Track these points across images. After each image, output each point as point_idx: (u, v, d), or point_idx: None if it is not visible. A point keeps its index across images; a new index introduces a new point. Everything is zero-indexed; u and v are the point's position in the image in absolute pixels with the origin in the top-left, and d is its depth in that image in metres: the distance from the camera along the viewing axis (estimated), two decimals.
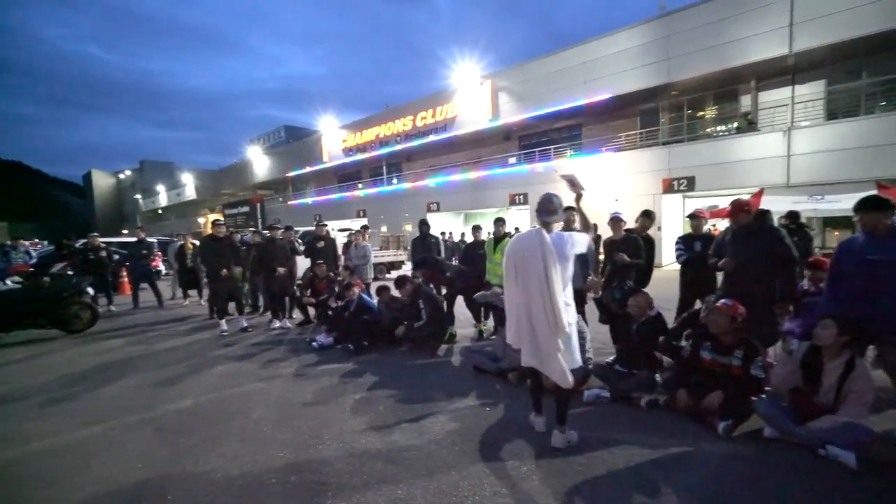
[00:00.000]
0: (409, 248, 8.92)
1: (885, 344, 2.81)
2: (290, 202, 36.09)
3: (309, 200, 34.01)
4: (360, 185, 31.38)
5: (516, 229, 5.36)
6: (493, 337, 5.58)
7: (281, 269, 6.90)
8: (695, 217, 4.86)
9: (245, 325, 6.82)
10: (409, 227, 23.95)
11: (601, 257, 5.14)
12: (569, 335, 2.68)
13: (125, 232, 46.27)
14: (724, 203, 9.57)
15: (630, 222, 4.97)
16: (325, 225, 8.24)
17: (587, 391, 3.62)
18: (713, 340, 3.25)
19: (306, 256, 7.67)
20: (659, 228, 14.82)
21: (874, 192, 4.23)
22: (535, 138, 22.59)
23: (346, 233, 12.79)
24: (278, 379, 4.44)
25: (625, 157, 17.79)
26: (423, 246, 6.61)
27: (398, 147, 26.81)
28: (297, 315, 7.49)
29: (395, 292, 5.99)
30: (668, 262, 14.56)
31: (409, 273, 6.13)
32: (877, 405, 2.98)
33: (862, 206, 2.85)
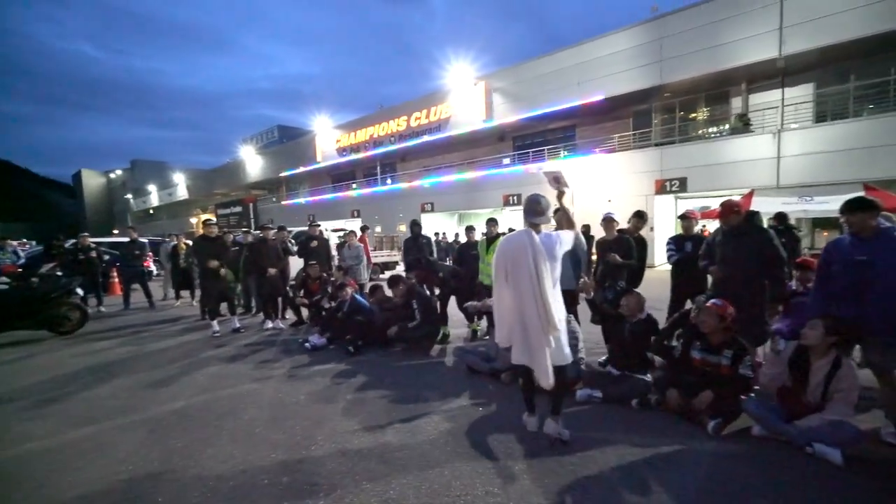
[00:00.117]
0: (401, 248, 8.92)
1: (870, 344, 2.86)
2: (283, 202, 35.92)
3: (303, 200, 33.86)
4: (354, 186, 31.31)
5: (510, 230, 5.38)
6: (487, 337, 5.61)
7: (272, 270, 6.87)
8: (685, 218, 4.90)
9: (237, 325, 6.78)
10: (402, 228, 23.93)
11: (594, 258, 5.18)
12: (559, 332, 2.73)
13: (116, 232, 45.77)
14: (716, 204, 9.66)
15: (623, 223, 5.01)
16: (319, 225, 8.22)
17: (579, 391, 3.64)
18: (703, 340, 3.28)
19: (299, 256, 7.64)
20: (651, 229, 14.94)
21: (861, 193, 4.29)
22: (530, 139, 22.68)
23: (340, 233, 12.76)
24: (271, 380, 4.42)
25: (618, 158, 17.92)
26: (416, 246, 6.62)
27: (392, 147, 26.81)
28: (289, 316, 7.46)
29: (388, 292, 5.98)
30: (660, 262, 14.69)
31: (402, 273, 6.13)
32: (863, 403, 3.04)
33: (848, 207, 2.89)
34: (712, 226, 11.68)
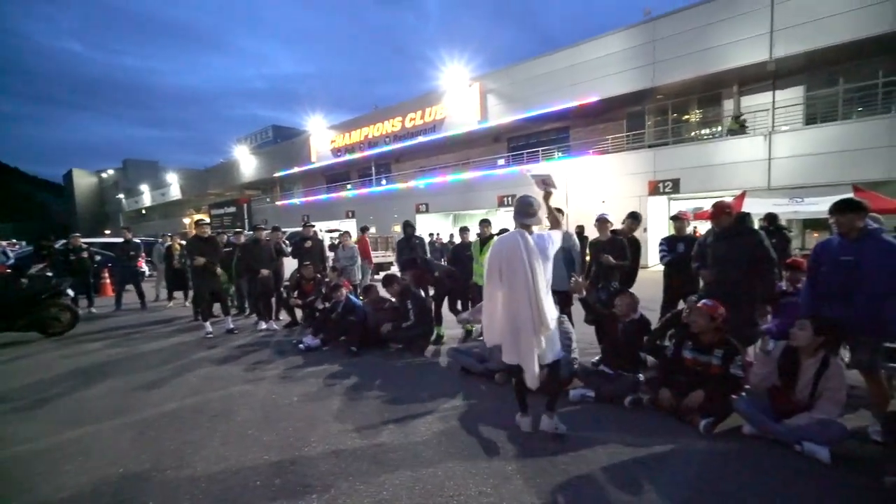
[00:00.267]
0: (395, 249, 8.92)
1: (857, 343, 2.90)
2: (277, 202, 35.75)
3: (297, 201, 33.73)
4: (348, 186, 31.24)
5: (503, 230, 5.40)
6: (481, 338, 5.61)
7: (264, 272, 6.84)
8: (678, 219, 4.95)
9: (231, 326, 6.73)
10: (397, 229, 23.88)
11: (587, 258, 5.20)
12: (552, 332, 2.80)
13: (108, 232, 45.31)
14: (709, 205, 9.77)
15: (617, 224, 5.04)
16: (313, 226, 8.19)
17: (572, 391, 3.66)
18: (694, 340, 3.32)
19: (293, 257, 7.61)
20: (645, 230, 15.03)
21: (850, 195, 4.35)
22: (524, 140, 22.76)
23: (335, 234, 12.72)
24: (264, 381, 4.40)
25: (612, 160, 18.03)
26: (409, 247, 6.62)
27: (387, 148, 26.77)
28: (283, 317, 7.42)
29: (382, 292, 5.98)
30: (653, 263, 14.78)
31: (396, 273, 6.12)
32: (851, 402, 3.08)
33: (837, 208, 2.93)
34: (704, 227, 11.80)
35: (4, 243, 14.16)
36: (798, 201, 12.03)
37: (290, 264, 7.80)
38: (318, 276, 7.11)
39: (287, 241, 7.96)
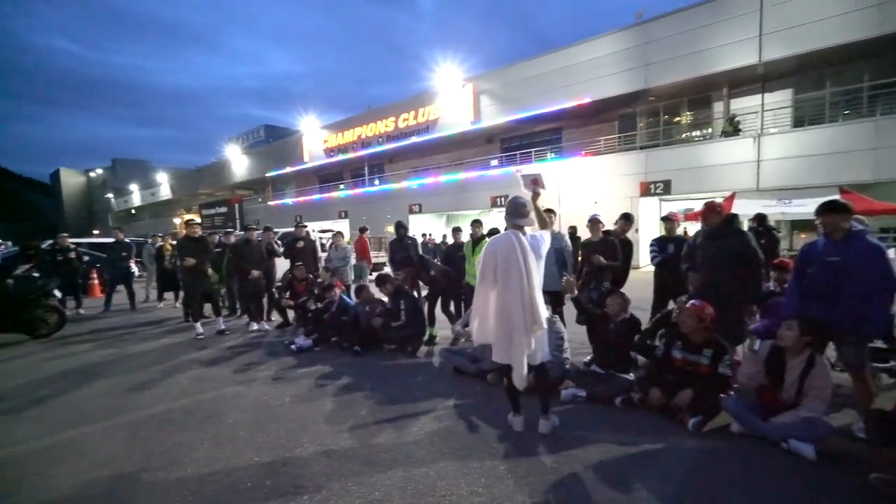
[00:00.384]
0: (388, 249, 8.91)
1: (843, 342, 2.95)
2: (270, 202, 35.51)
3: (289, 201, 33.52)
4: (341, 186, 31.11)
5: (493, 230, 5.43)
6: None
7: (255, 273, 6.79)
8: (668, 220, 5.00)
9: (222, 327, 6.68)
10: (390, 229, 23.80)
11: (579, 259, 5.24)
12: (543, 332, 2.85)
13: (96, 232, 44.73)
14: (699, 206, 9.87)
15: (609, 224, 5.08)
16: (305, 226, 8.15)
17: (564, 391, 3.69)
18: (684, 340, 3.36)
19: (285, 258, 7.57)
20: (636, 231, 15.16)
21: (837, 196, 4.43)
22: (517, 141, 22.84)
23: (329, 233, 12.65)
24: (255, 382, 4.38)
25: (604, 161, 18.16)
26: (401, 248, 6.62)
27: (380, 148, 26.71)
28: (275, 317, 7.38)
29: (375, 292, 5.97)
30: (644, 263, 14.91)
31: (389, 272, 6.11)
32: (836, 400, 3.13)
33: (822, 209, 2.98)
34: (694, 228, 11.92)
35: None
36: (786, 203, 12.21)
37: (282, 265, 7.75)
38: (311, 276, 7.08)
39: (279, 242, 7.92)
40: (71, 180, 77.22)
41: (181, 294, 8.59)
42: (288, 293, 6.95)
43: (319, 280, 6.84)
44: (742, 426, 2.95)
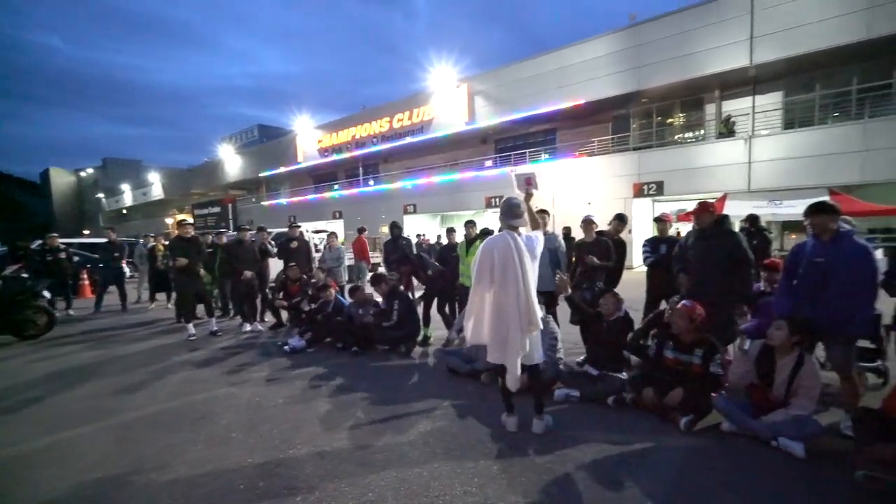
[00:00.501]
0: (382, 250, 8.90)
1: (831, 342, 2.99)
2: (263, 202, 35.31)
3: (283, 201, 33.35)
4: (335, 187, 31.00)
5: (485, 230, 5.44)
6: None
7: (248, 273, 6.75)
8: (660, 221, 5.04)
9: (215, 328, 6.64)
10: (385, 230, 23.80)
11: (573, 259, 5.26)
12: (538, 332, 2.88)
13: (87, 233, 44.22)
14: (691, 207, 9.96)
15: (602, 225, 5.11)
16: (299, 226, 8.11)
17: (557, 391, 3.70)
18: (676, 340, 3.39)
19: (279, 258, 7.54)
20: (630, 231, 15.25)
21: (826, 197, 4.50)
22: (511, 142, 22.90)
23: (323, 234, 12.61)
24: (248, 383, 4.35)
25: (597, 162, 18.26)
26: (396, 248, 6.61)
27: (375, 148, 26.67)
28: (268, 318, 7.34)
29: (369, 291, 5.96)
30: (637, 263, 15.01)
31: (383, 272, 6.11)
32: (824, 399, 3.18)
33: (810, 210, 3.02)
34: (685, 229, 12.03)
35: None
36: (777, 204, 12.35)
37: (275, 265, 7.71)
38: (304, 277, 7.05)
39: (273, 242, 7.88)
40: (61, 180, 76.35)
41: (173, 295, 8.53)
42: (281, 294, 6.92)
43: (313, 280, 6.81)
44: (733, 425, 2.98)
